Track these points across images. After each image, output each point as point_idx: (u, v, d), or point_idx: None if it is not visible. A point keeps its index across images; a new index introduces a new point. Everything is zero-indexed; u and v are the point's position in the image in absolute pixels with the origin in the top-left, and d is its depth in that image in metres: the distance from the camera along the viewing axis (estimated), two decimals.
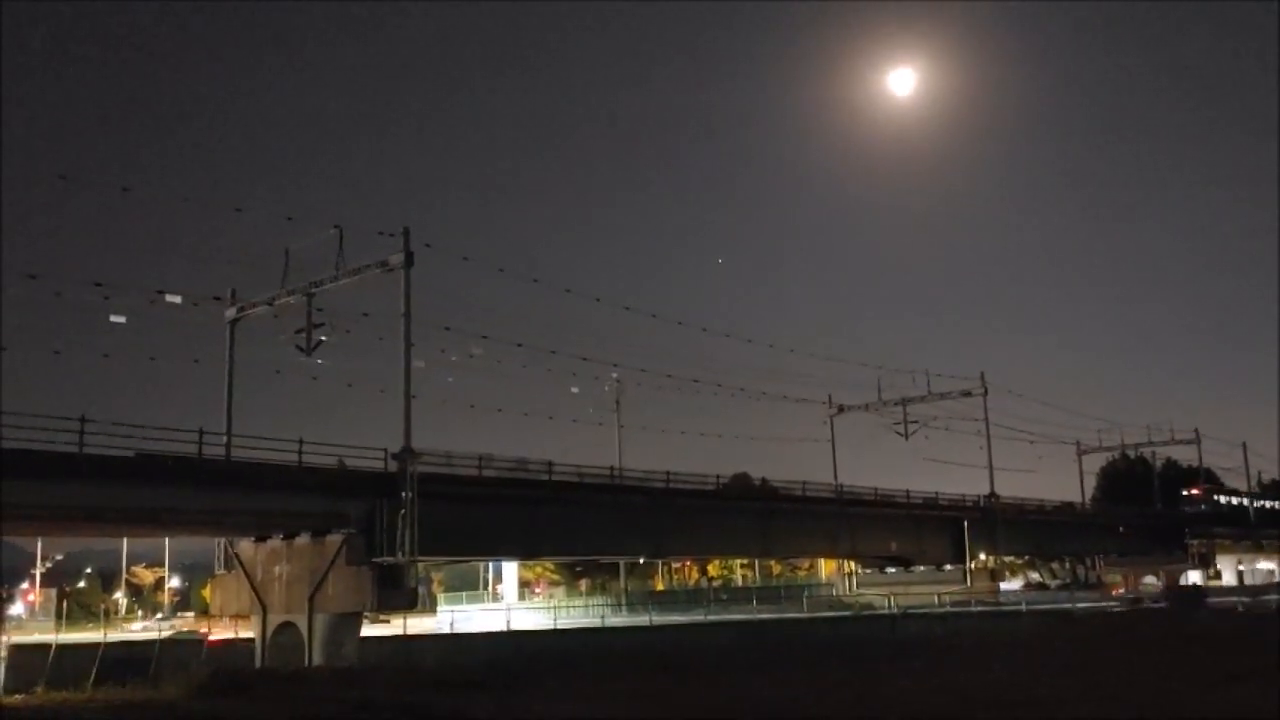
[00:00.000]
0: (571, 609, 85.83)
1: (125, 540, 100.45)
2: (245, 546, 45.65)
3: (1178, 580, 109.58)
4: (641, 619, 70.89)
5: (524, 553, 63.30)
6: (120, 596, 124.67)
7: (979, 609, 67.65)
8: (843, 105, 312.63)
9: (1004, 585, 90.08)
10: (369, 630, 49.76)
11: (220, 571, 48.66)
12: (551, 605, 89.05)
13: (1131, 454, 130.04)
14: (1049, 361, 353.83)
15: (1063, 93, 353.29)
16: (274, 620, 43.80)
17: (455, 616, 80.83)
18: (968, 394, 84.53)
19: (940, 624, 58.13)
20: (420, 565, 47.54)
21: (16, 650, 54.20)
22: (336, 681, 32.59)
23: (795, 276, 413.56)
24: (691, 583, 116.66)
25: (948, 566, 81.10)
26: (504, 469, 50.66)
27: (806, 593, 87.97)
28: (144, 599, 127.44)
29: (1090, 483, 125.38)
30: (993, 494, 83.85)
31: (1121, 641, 42.38)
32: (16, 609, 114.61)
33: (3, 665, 51.99)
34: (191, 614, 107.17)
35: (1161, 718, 21.24)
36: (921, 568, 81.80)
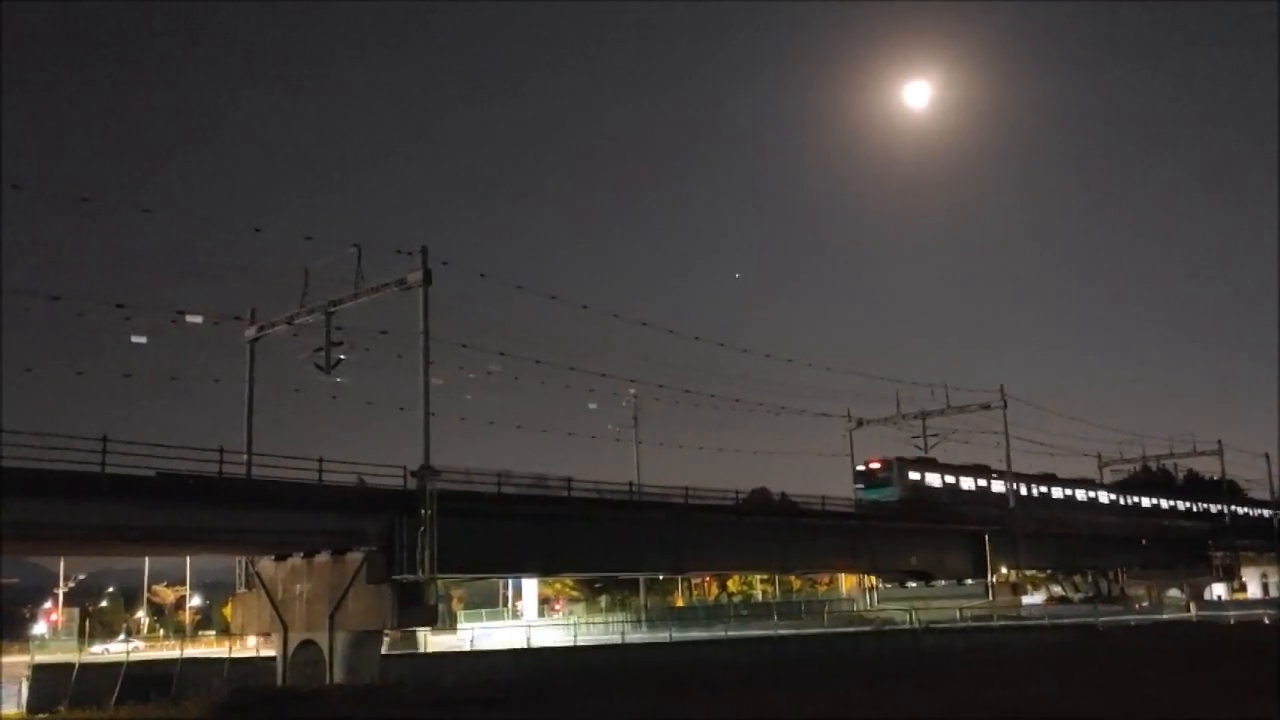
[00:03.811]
0: (591, 625, 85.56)
1: (146, 559, 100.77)
2: (266, 565, 45.80)
3: (1202, 593, 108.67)
4: (661, 635, 70.58)
5: (543, 569, 63.27)
6: (142, 615, 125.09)
7: (1001, 623, 67.16)
8: (858, 118, 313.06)
9: (1026, 599, 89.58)
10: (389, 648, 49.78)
11: (241, 590, 48.88)
12: (571, 622, 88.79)
13: (1153, 466, 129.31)
14: (1069, 374, 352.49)
15: (1079, 105, 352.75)
16: (295, 638, 43.90)
17: (475, 634, 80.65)
18: (987, 407, 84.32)
19: (962, 639, 57.72)
20: (440, 583, 47.56)
21: (39, 669, 54.47)
22: (357, 699, 32.64)
23: (813, 291, 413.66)
24: (711, 598, 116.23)
25: (969, 581, 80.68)
26: (523, 486, 50.75)
27: (827, 608, 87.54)
28: (165, 618, 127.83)
29: None
30: (1013, 507, 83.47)
31: (1146, 655, 42.01)
32: (39, 628, 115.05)
33: (26, 684, 52.30)
34: (212, 632, 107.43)
35: None
36: (943, 582, 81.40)
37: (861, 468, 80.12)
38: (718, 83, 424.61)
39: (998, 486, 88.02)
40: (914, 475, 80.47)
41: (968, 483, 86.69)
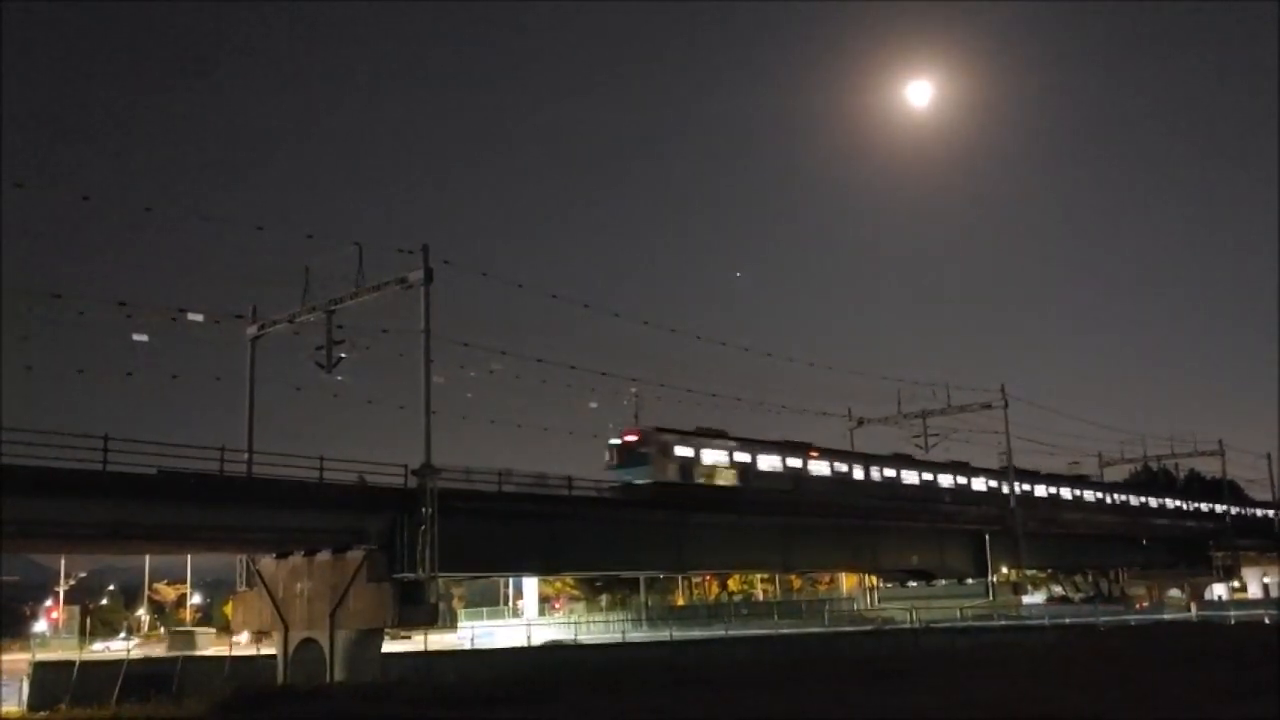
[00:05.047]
0: (592, 624, 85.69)
1: (147, 557, 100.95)
2: (267, 563, 45.87)
3: (1202, 593, 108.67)
4: (662, 634, 70.68)
5: (544, 568, 63.32)
6: (143, 613, 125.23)
7: (1002, 623, 67.22)
8: (860, 117, 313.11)
9: (1027, 599, 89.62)
10: (390, 646, 49.85)
11: (242, 588, 48.97)
12: (572, 620, 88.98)
13: (1154, 466, 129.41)
14: (1070, 373, 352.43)
15: (1080, 104, 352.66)
16: (295, 637, 43.97)
17: (476, 632, 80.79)
18: (988, 406, 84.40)
19: (963, 638, 57.76)
20: (441, 581, 47.59)
21: (40, 667, 54.57)
22: (358, 697, 32.60)
23: (813, 289, 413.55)
24: (712, 598, 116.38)
25: (970, 580, 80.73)
26: (524, 484, 50.83)
27: (828, 607, 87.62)
28: (166, 615, 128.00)
29: None
30: (1014, 507, 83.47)
31: (1146, 655, 42.00)
32: (40, 626, 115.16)
33: (27, 682, 52.41)
34: (213, 630, 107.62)
35: None
36: (943, 581, 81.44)
37: (615, 441, 61.05)
38: (719, 82, 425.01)
39: (819, 468, 71.41)
40: (683, 452, 61.85)
41: (769, 463, 67.73)
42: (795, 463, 69.57)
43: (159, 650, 69.42)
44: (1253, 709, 23.67)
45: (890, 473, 78.30)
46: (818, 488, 69.61)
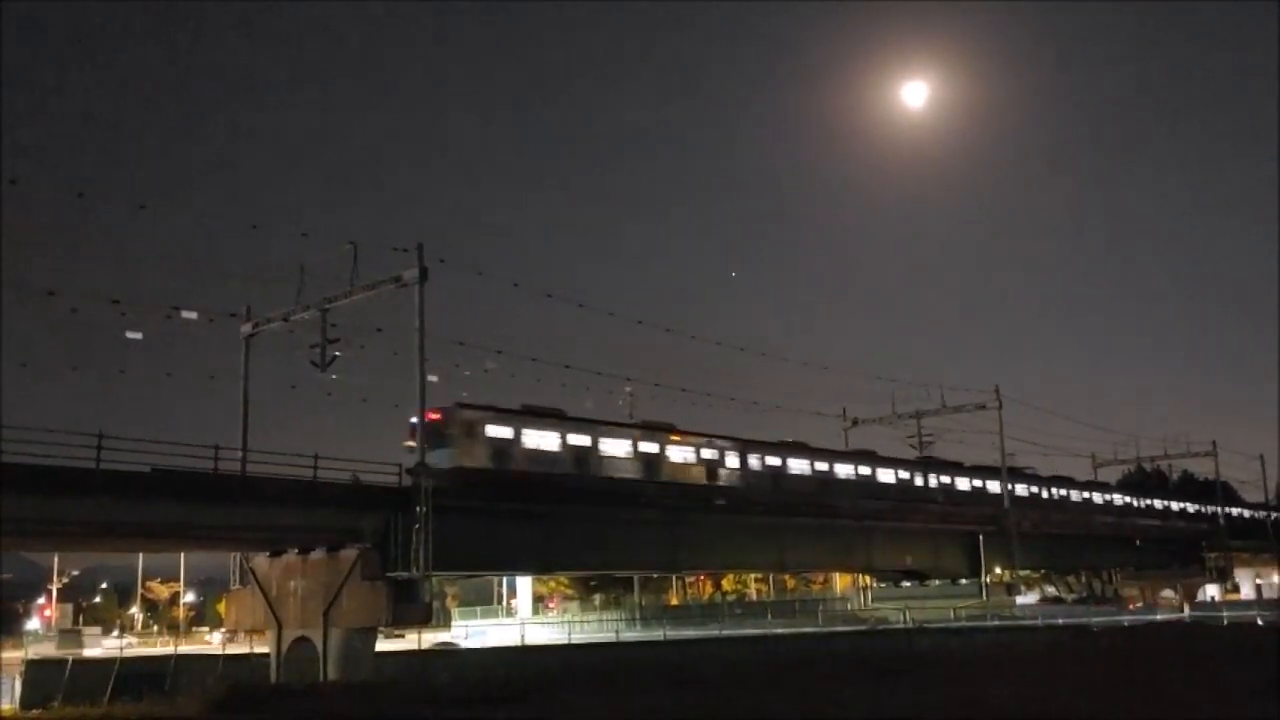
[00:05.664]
0: (585, 624, 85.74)
1: (141, 555, 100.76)
2: (260, 562, 45.76)
3: (1195, 594, 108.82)
4: (656, 634, 70.77)
5: (538, 567, 63.27)
6: (136, 611, 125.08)
7: (995, 623, 67.30)
8: (856, 118, 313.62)
9: (1020, 599, 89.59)
10: (384, 645, 49.77)
11: (235, 587, 48.86)
12: (566, 620, 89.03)
13: (1148, 467, 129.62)
14: (1064, 374, 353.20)
15: (1076, 104, 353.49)
16: (289, 635, 43.86)
17: (470, 631, 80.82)
18: (982, 407, 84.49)
19: (956, 638, 57.84)
20: (435, 580, 47.49)
21: (33, 665, 54.52)
22: (352, 696, 32.53)
23: (809, 289, 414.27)
24: (705, 597, 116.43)
25: (963, 580, 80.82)
26: None
27: (821, 607, 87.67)
28: (159, 614, 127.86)
29: None
30: (1009, 507, 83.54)
31: (1140, 655, 42.06)
32: (33, 624, 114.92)
33: (19, 680, 52.35)
34: (206, 628, 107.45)
35: None
36: (937, 582, 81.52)
37: (415, 420, 49.03)
38: (714, 83, 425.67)
39: (682, 454, 60.67)
40: (497, 433, 51.30)
41: (618, 448, 57.27)
42: (650, 447, 59.03)
43: (50, 650, 70.25)
44: (1250, 709, 23.69)
45: (774, 461, 67.07)
46: (678, 476, 60.31)
